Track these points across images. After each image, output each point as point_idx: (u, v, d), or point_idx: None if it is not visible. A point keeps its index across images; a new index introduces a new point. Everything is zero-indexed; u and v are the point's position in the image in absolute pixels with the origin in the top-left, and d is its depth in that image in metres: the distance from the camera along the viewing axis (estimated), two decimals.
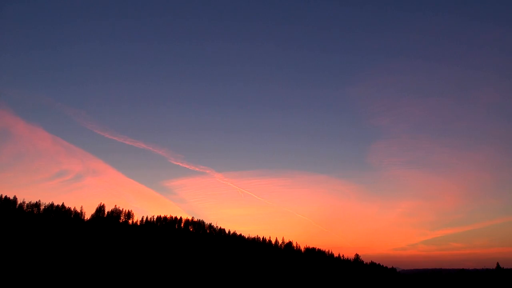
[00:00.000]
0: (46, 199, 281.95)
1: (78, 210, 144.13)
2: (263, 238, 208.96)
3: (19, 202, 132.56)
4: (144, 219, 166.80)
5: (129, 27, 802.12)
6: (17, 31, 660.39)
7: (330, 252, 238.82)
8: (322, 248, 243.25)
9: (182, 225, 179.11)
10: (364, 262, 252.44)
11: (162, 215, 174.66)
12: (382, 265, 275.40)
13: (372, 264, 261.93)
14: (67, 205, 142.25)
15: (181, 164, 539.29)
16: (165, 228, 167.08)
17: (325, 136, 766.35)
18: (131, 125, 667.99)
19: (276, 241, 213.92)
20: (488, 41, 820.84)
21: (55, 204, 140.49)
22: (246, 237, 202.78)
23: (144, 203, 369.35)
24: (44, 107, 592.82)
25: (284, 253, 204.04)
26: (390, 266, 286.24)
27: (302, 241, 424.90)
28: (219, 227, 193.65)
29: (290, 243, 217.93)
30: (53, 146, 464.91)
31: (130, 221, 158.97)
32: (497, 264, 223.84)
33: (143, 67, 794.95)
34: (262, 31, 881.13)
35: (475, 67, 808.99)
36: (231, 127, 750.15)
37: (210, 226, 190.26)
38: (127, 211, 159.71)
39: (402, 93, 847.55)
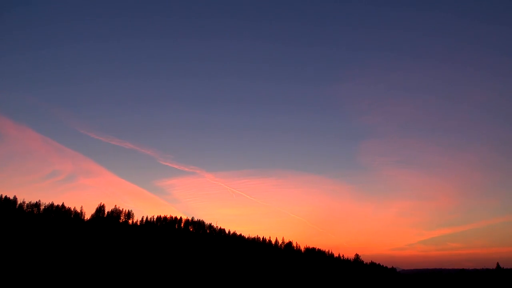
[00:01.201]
0: (40, 200, 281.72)
1: (78, 210, 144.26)
2: (263, 238, 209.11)
3: (19, 202, 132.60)
4: (144, 219, 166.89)
5: (115, 26, 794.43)
6: (1, 33, 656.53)
7: (330, 252, 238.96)
8: (322, 248, 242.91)
9: (182, 225, 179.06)
10: (364, 262, 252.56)
11: (162, 215, 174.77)
12: (382, 265, 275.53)
13: (372, 264, 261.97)
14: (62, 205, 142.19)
15: (170, 165, 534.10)
16: (165, 228, 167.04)
17: (314, 135, 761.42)
18: (118, 125, 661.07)
19: (276, 241, 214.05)
20: (480, 39, 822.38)
21: (55, 204, 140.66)
22: (246, 237, 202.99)
23: (138, 203, 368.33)
24: (31, 107, 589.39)
25: (284, 253, 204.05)
26: (390, 266, 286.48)
27: (296, 241, 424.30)
28: (219, 227, 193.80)
29: (290, 243, 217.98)
30: (43, 146, 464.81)
31: (130, 221, 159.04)
32: (497, 264, 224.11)
33: (130, 66, 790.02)
34: (250, 29, 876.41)
35: (467, 65, 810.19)
36: (219, 126, 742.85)
37: (210, 226, 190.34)
38: (127, 211, 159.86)
39: (392, 90, 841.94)
